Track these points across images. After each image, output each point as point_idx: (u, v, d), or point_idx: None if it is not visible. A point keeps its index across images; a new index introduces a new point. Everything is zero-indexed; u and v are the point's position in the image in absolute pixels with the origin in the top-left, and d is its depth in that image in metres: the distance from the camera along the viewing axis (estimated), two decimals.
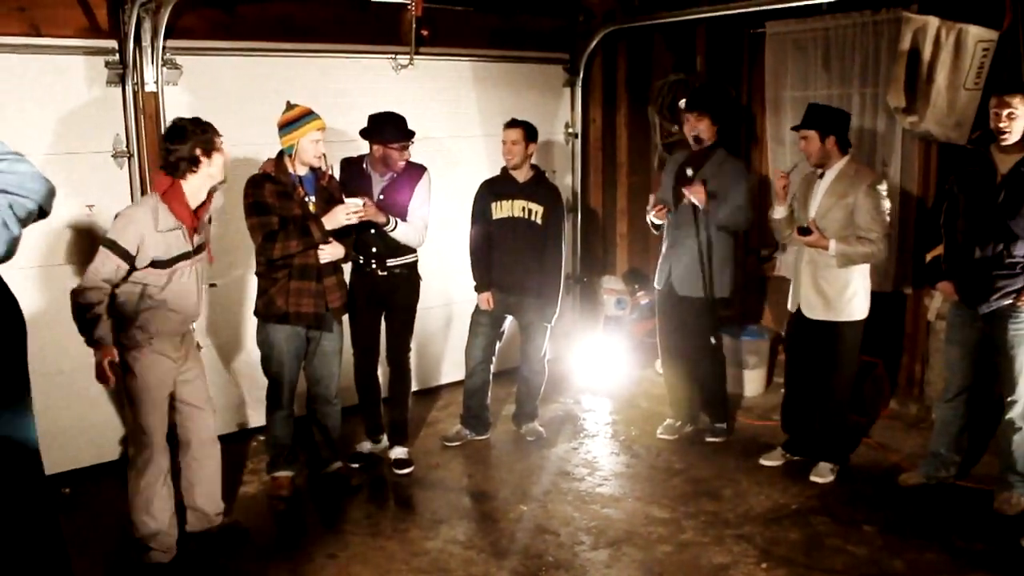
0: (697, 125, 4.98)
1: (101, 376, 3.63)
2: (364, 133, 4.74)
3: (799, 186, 4.77)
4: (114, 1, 4.59)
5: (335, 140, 5.33)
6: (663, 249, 5.23)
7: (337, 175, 4.74)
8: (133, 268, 3.61)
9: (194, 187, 3.70)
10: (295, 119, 4.24)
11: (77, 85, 4.62)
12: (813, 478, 4.76)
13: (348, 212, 4.31)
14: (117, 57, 4.66)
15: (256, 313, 4.46)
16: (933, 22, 4.70)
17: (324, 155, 4.35)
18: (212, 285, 5.06)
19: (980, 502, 4.43)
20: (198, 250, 3.82)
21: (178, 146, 3.63)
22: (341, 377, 4.69)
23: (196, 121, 3.72)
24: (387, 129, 4.67)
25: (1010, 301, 4.11)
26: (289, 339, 4.40)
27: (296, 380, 4.54)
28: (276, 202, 4.25)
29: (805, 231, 4.48)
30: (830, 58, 5.67)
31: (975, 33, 4.67)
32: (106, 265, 3.58)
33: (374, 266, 4.81)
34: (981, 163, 4.18)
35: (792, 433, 4.99)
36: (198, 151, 3.64)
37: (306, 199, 4.33)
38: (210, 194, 3.81)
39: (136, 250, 3.58)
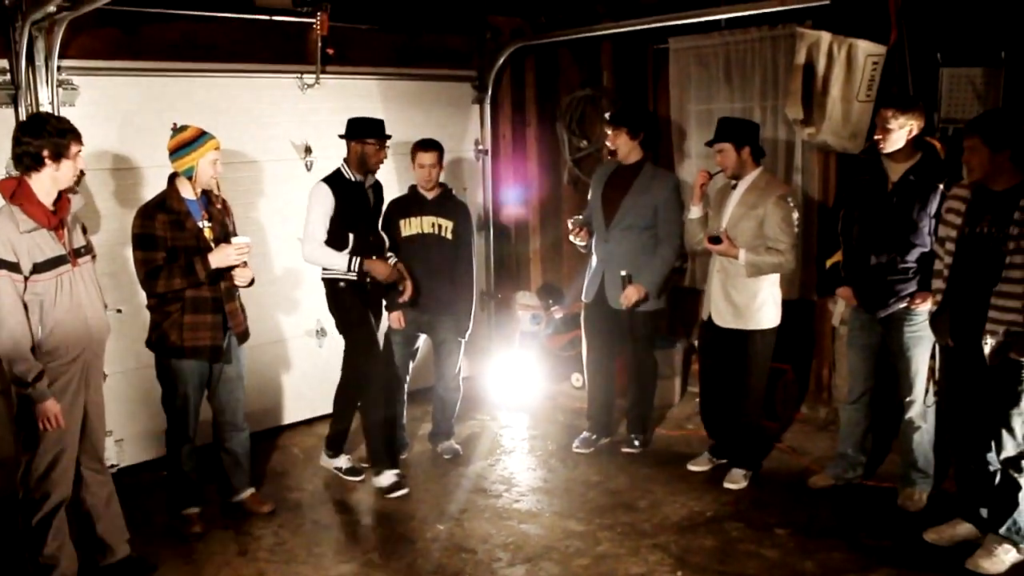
0: (615, 140, 5.06)
1: (48, 424, 3.52)
2: (345, 135, 4.86)
3: (714, 196, 4.88)
4: (3, 18, 4.44)
5: (237, 161, 5.29)
6: (592, 262, 5.27)
7: (328, 199, 4.73)
8: (25, 279, 3.44)
9: (41, 187, 3.51)
10: (191, 140, 4.13)
11: None
12: (727, 484, 4.84)
13: (239, 252, 4.19)
14: (8, 77, 4.51)
15: (149, 346, 4.32)
16: (825, 37, 4.86)
17: (217, 178, 4.24)
18: (118, 311, 4.93)
19: (885, 500, 4.57)
20: (78, 253, 3.66)
21: (28, 140, 3.48)
22: (246, 403, 4.62)
23: (59, 120, 3.59)
24: (363, 126, 4.81)
25: (905, 305, 4.26)
26: (191, 371, 4.27)
27: (199, 411, 4.41)
28: (168, 233, 4.12)
29: (716, 240, 4.57)
30: (731, 72, 5.81)
31: (864, 47, 4.84)
32: (3, 288, 3.38)
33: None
34: (873, 172, 4.33)
35: (716, 437, 5.07)
36: (45, 152, 3.47)
37: (200, 225, 4.20)
38: (64, 195, 3.62)
39: (15, 256, 3.40)
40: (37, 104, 4.54)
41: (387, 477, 4.89)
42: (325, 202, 4.73)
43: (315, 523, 4.59)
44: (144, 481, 4.98)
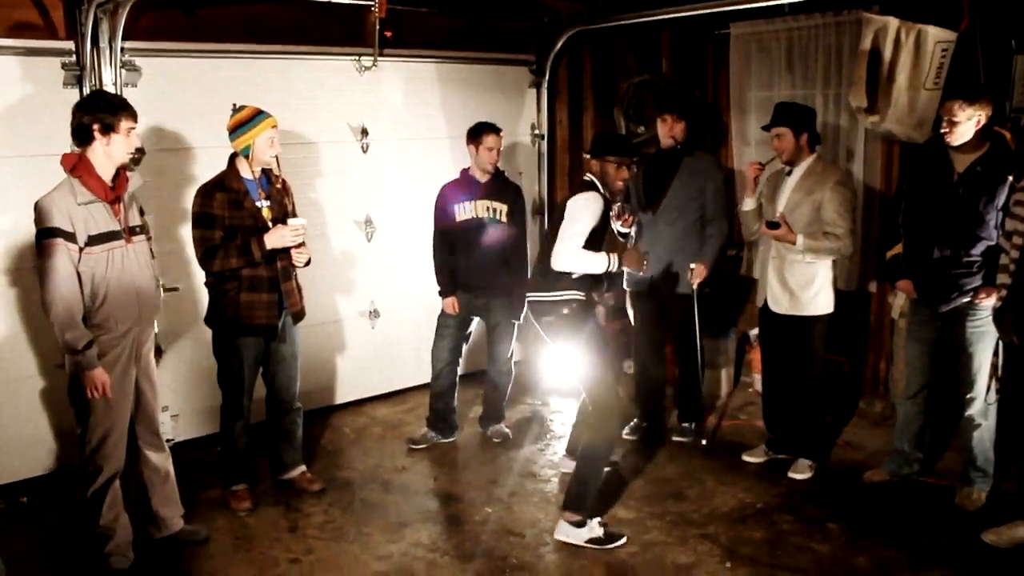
0: (674, 127, 5.02)
1: (95, 392, 3.58)
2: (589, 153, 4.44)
3: (766, 182, 4.81)
4: (70, 2, 4.54)
5: (294, 142, 5.34)
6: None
7: (600, 211, 4.26)
8: (80, 250, 3.51)
9: (98, 161, 3.59)
10: (247, 119, 4.19)
11: (33, 88, 4.55)
12: (792, 475, 4.78)
13: (295, 233, 4.22)
14: (74, 59, 4.60)
15: (207, 323, 4.41)
16: (893, 23, 4.72)
17: (278, 157, 4.29)
18: (175, 289, 5.02)
19: (942, 498, 4.46)
20: (132, 232, 3.72)
21: (80, 115, 3.57)
22: (302, 381, 4.68)
23: (112, 96, 3.69)
24: (602, 143, 4.41)
25: (968, 299, 4.15)
26: (246, 348, 4.34)
27: (253, 389, 4.48)
28: (226, 212, 4.18)
29: (774, 225, 4.50)
30: (793, 59, 5.69)
31: (934, 34, 4.70)
32: (59, 256, 3.45)
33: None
34: (938, 163, 4.21)
35: (775, 431, 5.00)
36: (95, 126, 3.54)
37: (259, 205, 4.26)
38: (122, 172, 3.70)
39: (71, 226, 3.48)
40: (101, 85, 4.61)
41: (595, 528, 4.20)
42: (596, 213, 4.25)
43: (364, 503, 4.63)
44: (198, 456, 5.06)
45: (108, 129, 3.55)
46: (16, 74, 4.51)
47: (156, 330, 4.87)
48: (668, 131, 5.04)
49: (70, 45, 4.59)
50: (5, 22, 4.43)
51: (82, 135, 3.57)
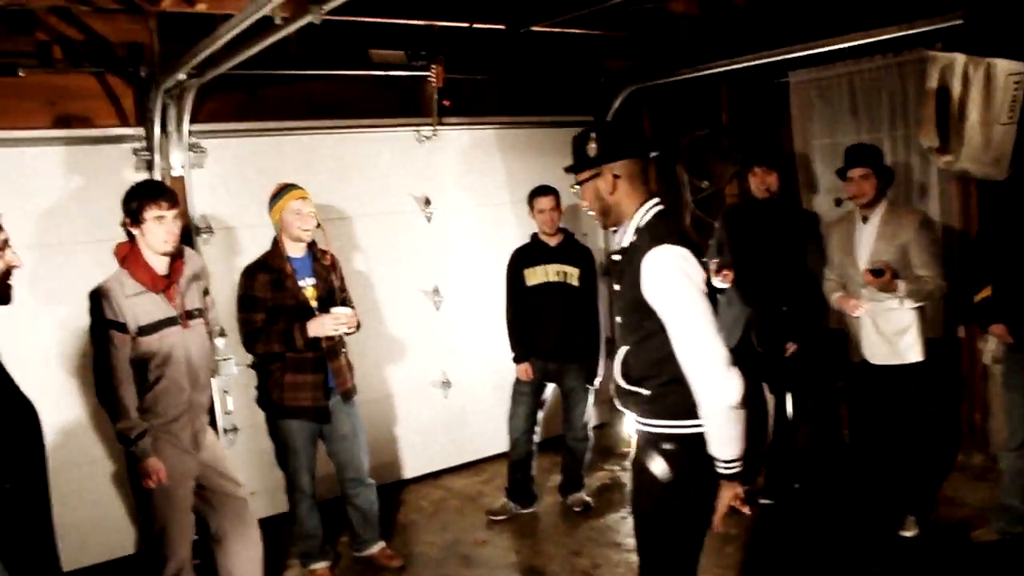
0: (766, 179, 4.90)
1: (151, 482, 3.49)
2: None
3: (835, 234, 4.66)
4: (139, 89, 4.64)
5: (360, 215, 5.36)
6: (732, 305, 4.99)
7: None
8: (132, 339, 3.45)
9: (145, 252, 3.53)
10: (275, 194, 4.18)
11: (107, 174, 4.63)
12: (902, 533, 4.54)
13: (337, 323, 4.10)
14: (145, 144, 4.69)
15: (258, 405, 4.34)
16: (960, 59, 4.60)
17: (324, 230, 4.23)
18: (249, 366, 5.00)
19: None
20: (190, 315, 3.64)
21: (122, 210, 3.54)
22: (371, 455, 4.58)
23: (142, 186, 3.58)
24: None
25: None
26: (299, 430, 4.24)
27: (314, 467, 4.37)
28: (268, 294, 4.10)
29: (879, 272, 4.29)
30: (857, 103, 5.59)
31: (1004, 66, 4.55)
32: (110, 348, 3.41)
33: None
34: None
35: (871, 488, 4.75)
36: (126, 220, 3.50)
37: (302, 284, 4.18)
38: (177, 259, 3.62)
39: (122, 317, 3.42)
40: (171, 168, 4.70)
41: None
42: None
43: None
44: (277, 533, 4.98)
45: (136, 220, 3.49)
46: (91, 161, 4.62)
47: (226, 411, 4.85)
48: (760, 184, 4.91)
49: (140, 131, 4.68)
50: (80, 113, 4.55)
51: (124, 229, 3.56)
